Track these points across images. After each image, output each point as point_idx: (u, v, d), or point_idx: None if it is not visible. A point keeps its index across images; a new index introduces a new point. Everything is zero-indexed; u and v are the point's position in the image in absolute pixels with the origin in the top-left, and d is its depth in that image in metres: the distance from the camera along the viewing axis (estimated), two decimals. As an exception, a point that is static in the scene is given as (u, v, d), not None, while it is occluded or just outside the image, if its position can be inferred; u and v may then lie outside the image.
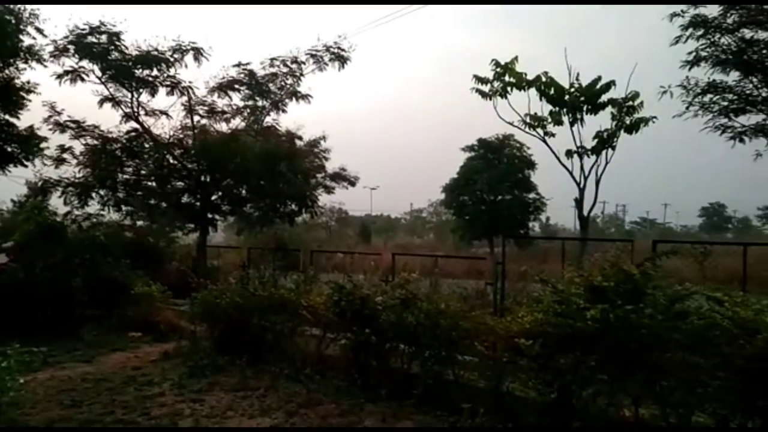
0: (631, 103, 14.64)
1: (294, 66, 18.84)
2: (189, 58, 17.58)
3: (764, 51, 22.85)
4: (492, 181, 31.23)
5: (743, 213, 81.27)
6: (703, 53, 23.61)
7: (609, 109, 15.01)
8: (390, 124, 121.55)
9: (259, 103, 19.48)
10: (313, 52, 18.63)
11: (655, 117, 14.66)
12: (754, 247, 16.95)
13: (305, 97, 19.40)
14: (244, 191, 19.64)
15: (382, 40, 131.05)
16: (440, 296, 7.48)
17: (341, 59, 18.67)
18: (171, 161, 19.04)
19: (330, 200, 36.17)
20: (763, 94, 23.45)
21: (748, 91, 23.77)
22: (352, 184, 31.22)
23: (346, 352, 8.02)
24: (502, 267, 9.56)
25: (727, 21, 22.86)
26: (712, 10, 22.77)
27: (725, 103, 24.01)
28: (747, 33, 22.90)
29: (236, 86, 18.77)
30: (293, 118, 27.02)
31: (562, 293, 5.69)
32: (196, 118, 19.10)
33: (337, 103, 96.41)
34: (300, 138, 21.06)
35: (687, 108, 24.30)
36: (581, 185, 15.09)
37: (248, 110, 19.54)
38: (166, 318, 11.83)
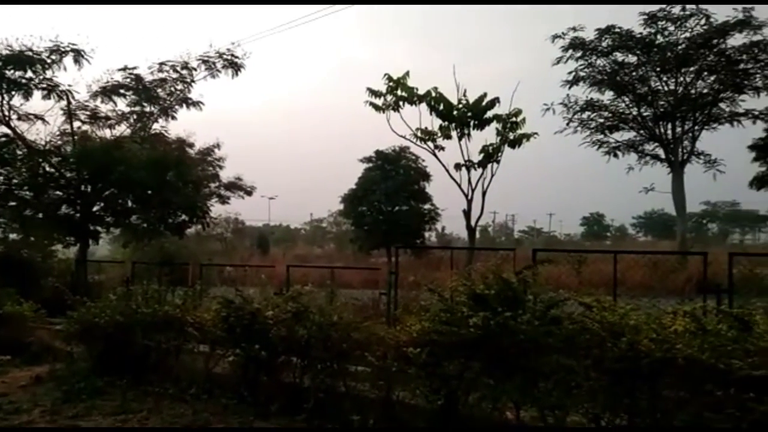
0: (514, 119, 15.47)
1: (184, 72, 18.25)
2: (68, 60, 16.56)
3: (633, 73, 25.06)
4: (389, 192, 31.71)
5: (620, 221, 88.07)
6: (582, 73, 25.55)
7: (494, 124, 15.80)
8: (290, 133, 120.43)
9: (147, 109, 18.68)
10: (205, 58, 18.13)
11: (536, 133, 15.61)
12: (629, 253, 18.27)
13: (197, 103, 18.82)
14: (129, 202, 18.63)
15: (281, 49, 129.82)
16: (334, 308, 7.43)
17: (235, 66, 18.30)
18: (48, 169, 17.72)
19: (225, 210, 35.15)
20: (634, 113, 25.70)
21: (621, 110, 25.97)
22: (249, 193, 30.65)
23: (236, 368, 7.75)
24: (395, 276, 9.68)
25: (602, 44, 24.87)
26: (589, 34, 24.72)
27: (601, 120, 26.10)
28: (619, 56, 25.05)
29: (121, 91, 17.88)
30: (184, 125, 26.12)
31: (448, 302, 5.83)
32: (77, 123, 18.00)
33: (233, 112, 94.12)
34: (191, 146, 20.38)
35: (567, 124, 26.24)
36: (469, 197, 15.76)
37: (134, 116, 18.68)
38: (39, 338, 10.91)
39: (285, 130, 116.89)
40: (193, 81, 18.33)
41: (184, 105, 18.73)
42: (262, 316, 7.29)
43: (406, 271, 13.45)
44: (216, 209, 29.07)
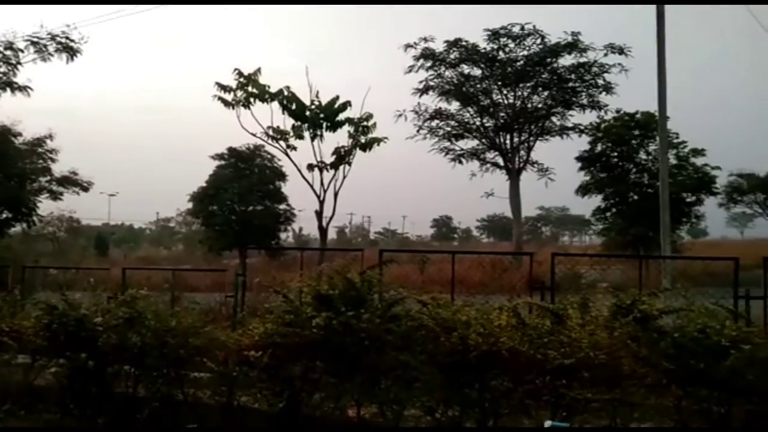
0: (365, 123, 15.82)
1: (9, 52, 16.31)
2: None
3: (478, 86, 26.77)
4: (243, 191, 30.79)
5: (466, 224, 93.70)
6: (432, 83, 26.80)
7: (347, 127, 16.04)
8: (136, 126, 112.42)
9: (-42, 93, 16.42)
10: (35, 39, 16.36)
11: (386, 138, 16.06)
12: (464, 254, 19.41)
13: (24, 88, 16.92)
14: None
15: (125, 38, 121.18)
16: (173, 313, 7.06)
17: (70, 50, 16.73)
18: None
19: (58, 207, 31.94)
20: (477, 123, 27.44)
21: (466, 120, 27.58)
22: (85, 189, 28.06)
23: (60, 380, 7.08)
24: (243, 279, 9.41)
25: (450, 56, 26.27)
26: (438, 45, 25.99)
27: (448, 129, 27.55)
28: (466, 69, 26.62)
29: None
30: (10, 112, 23.31)
31: (292, 303, 5.80)
32: None
33: (72, 101, 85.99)
34: (16, 135, 18.26)
35: (418, 131, 27.39)
36: (321, 197, 15.87)
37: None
38: None
39: (130, 123, 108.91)
40: (19, 63, 16.48)
41: (9, 89, 16.76)
42: (90, 322, 6.72)
43: (259, 273, 13.14)
44: (46, 206, 26.39)
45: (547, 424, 4.66)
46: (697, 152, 26.23)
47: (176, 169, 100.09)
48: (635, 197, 26.05)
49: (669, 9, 17.77)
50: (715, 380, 4.55)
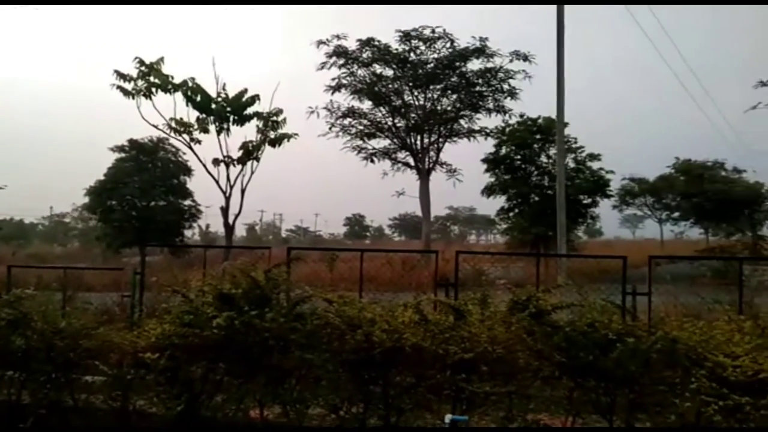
0: (275, 118, 15.55)
1: None
2: None
3: (390, 86, 27.04)
4: (144, 186, 29.44)
5: (378, 222, 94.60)
6: (344, 81, 26.78)
7: (255, 122, 15.72)
8: (28, 116, 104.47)
9: None
10: None
11: (296, 133, 15.90)
12: (371, 251, 19.56)
13: None
14: None
15: (17, 27, 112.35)
16: (65, 313, 6.63)
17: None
18: None
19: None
20: (389, 123, 27.72)
21: (378, 119, 27.79)
22: (-35, 182, 25.70)
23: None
24: (141, 277, 8.97)
25: (363, 55, 26.36)
26: (351, 44, 26.00)
27: (361, 128, 27.65)
28: (378, 68, 26.80)
29: None
30: None
31: (192, 303, 5.60)
32: None
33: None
34: None
35: (330, 128, 27.31)
36: (227, 194, 15.44)
37: None
38: None
39: (22, 113, 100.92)
40: None
41: None
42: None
43: (160, 271, 12.58)
44: None
45: (448, 418, 4.78)
46: (594, 157, 27.94)
47: (74, 163, 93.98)
48: (536, 198, 27.35)
49: (569, 21, 18.79)
50: (603, 371, 4.84)
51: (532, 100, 27.98)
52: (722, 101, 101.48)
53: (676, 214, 32.70)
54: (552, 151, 26.01)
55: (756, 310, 6.67)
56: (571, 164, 27.53)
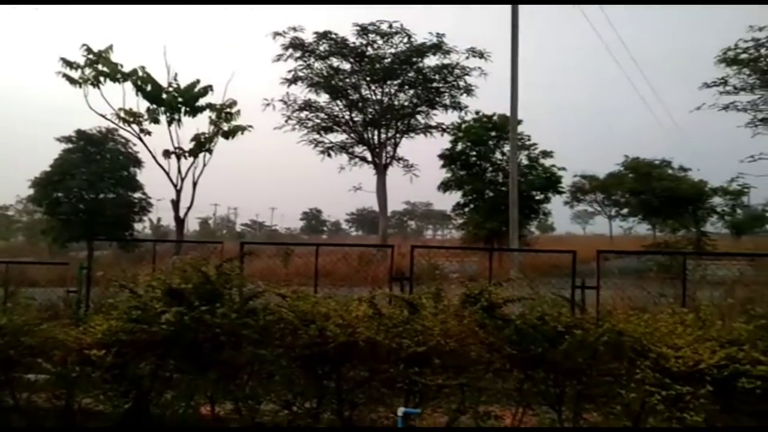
0: (228, 110, 15.24)
1: None
2: None
3: (347, 80, 26.88)
4: (92, 178, 28.45)
5: (336, 217, 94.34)
6: (300, 74, 26.47)
7: (208, 113, 15.34)
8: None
9: None
10: None
11: (251, 126, 15.60)
12: (326, 246, 19.49)
13: None
14: None
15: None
16: (6, 309, 6.37)
17: None
18: None
19: None
20: (346, 117, 27.57)
21: (335, 113, 27.60)
22: None
23: None
24: (88, 272, 8.68)
25: (320, 48, 26.12)
26: (308, 36, 25.72)
27: (317, 121, 27.39)
28: (335, 62, 26.60)
29: None
30: None
31: (140, 298, 5.45)
32: None
33: None
34: None
35: (286, 121, 26.97)
36: (178, 186, 15.04)
37: None
38: None
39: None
40: None
41: None
42: None
43: (108, 266, 12.19)
44: None
45: (401, 411, 4.81)
46: (546, 154, 28.55)
47: (18, 153, 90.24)
48: (491, 194, 27.77)
49: (524, 21, 19.11)
50: (552, 363, 4.95)
51: (488, 98, 28.31)
52: (670, 101, 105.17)
53: (625, 211, 33.60)
54: (506, 148, 26.42)
55: (698, 303, 6.92)
56: (525, 161, 28.05)
